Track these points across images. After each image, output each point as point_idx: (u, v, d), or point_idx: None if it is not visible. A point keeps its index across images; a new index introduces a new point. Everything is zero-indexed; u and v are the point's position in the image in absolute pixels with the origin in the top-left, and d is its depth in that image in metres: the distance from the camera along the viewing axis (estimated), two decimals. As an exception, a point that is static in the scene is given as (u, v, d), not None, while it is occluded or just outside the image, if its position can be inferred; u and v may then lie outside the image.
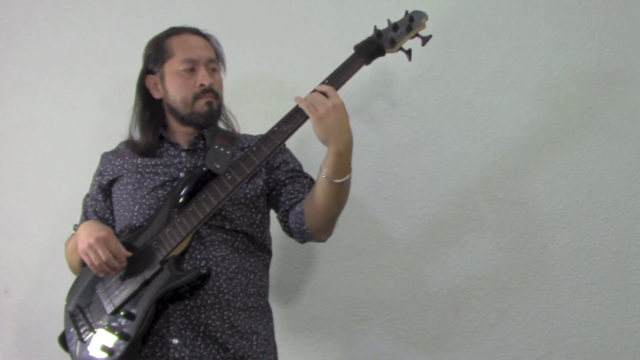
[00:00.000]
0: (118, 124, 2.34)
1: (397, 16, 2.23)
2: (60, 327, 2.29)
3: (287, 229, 1.78)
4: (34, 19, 2.42)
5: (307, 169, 1.87)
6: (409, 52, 1.73)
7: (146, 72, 1.86)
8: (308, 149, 2.08)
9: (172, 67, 1.79)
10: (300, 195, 1.76)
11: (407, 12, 1.74)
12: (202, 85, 1.77)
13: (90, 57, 2.38)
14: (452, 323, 2.15)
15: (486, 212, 2.17)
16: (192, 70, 1.78)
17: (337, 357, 2.16)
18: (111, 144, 2.34)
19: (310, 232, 1.70)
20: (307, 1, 2.31)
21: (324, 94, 1.58)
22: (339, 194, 1.63)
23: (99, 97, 2.36)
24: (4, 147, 2.39)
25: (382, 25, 1.75)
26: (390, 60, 2.23)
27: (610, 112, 2.16)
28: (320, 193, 1.62)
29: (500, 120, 2.19)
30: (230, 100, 2.05)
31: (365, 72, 2.26)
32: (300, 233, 1.73)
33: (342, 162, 1.58)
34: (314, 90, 1.62)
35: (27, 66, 2.41)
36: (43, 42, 2.41)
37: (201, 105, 1.77)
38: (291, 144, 1.81)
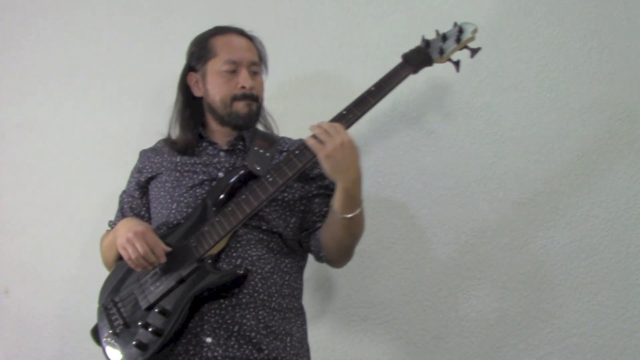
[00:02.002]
0: (118, 123, 2.35)
1: (398, 15, 2.24)
2: (60, 327, 2.30)
3: (307, 248, 1.80)
4: (34, 19, 2.42)
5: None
6: (457, 63, 1.74)
7: (188, 69, 1.85)
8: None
9: (215, 67, 1.79)
10: (325, 219, 1.75)
11: (455, 23, 1.75)
12: (242, 87, 1.77)
13: (90, 57, 2.38)
14: (452, 323, 2.15)
15: (486, 212, 2.17)
16: (233, 71, 1.78)
17: (337, 357, 2.16)
18: (111, 144, 2.35)
19: (326, 259, 1.76)
20: (308, 1, 2.31)
21: (333, 130, 1.57)
22: (351, 227, 1.65)
23: (99, 97, 2.36)
24: (4, 147, 2.39)
25: (431, 35, 1.76)
26: (391, 60, 2.24)
27: (610, 112, 2.16)
28: (333, 226, 1.66)
29: (500, 120, 2.19)
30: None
31: (365, 73, 2.26)
32: (317, 257, 1.78)
33: (350, 198, 1.60)
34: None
35: (27, 66, 2.40)
36: (43, 43, 2.41)
37: (240, 107, 1.77)
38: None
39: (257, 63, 1.83)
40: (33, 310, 2.30)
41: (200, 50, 1.83)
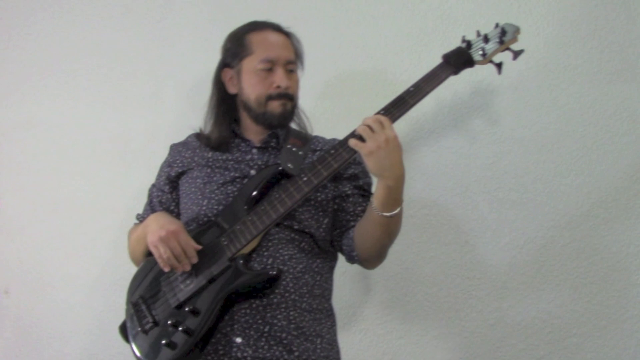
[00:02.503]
0: (119, 123, 2.35)
1: (398, 15, 2.24)
2: (59, 327, 2.31)
3: (339, 248, 1.77)
4: (34, 19, 2.42)
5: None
6: (499, 65, 1.71)
7: (223, 65, 1.82)
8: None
9: (250, 65, 1.76)
10: (359, 219, 1.72)
11: (497, 24, 1.71)
12: (278, 87, 1.74)
13: (90, 57, 2.38)
14: (452, 323, 2.15)
15: (486, 212, 2.17)
16: (269, 70, 1.75)
17: (337, 357, 2.16)
18: (111, 144, 2.35)
19: (359, 259, 1.71)
20: (308, 1, 2.31)
21: (380, 125, 1.55)
22: (389, 227, 1.62)
23: (99, 97, 2.36)
24: (4, 147, 2.39)
25: (471, 36, 1.72)
26: (391, 60, 2.24)
27: (610, 112, 2.16)
28: (370, 224, 1.62)
29: (500, 120, 2.19)
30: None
31: (365, 73, 2.27)
32: (349, 257, 1.74)
33: (392, 196, 1.56)
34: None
35: (27, 66, 2.41)
36: (43, 42, 2.41)
37: (275, 106, 1.74)
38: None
39: (293, 61, 1.80)
40: (33, 310, 2.30)
41: (236, 47, 1.79)
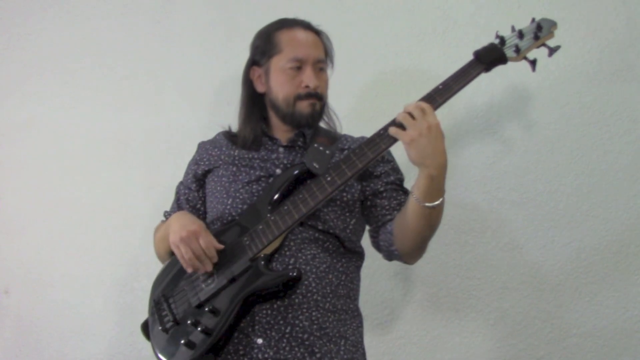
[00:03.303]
0: (119, 123, 2.35)
1: (398, 15, 2.23)
2: (59, 326, 2.30)
3: (376, 245, 1.74)
4: (34, 19, 2.42)
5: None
6: (533, 62, 1.64)
7: (252, 63, 1.79)
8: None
9: (279, 64, 1.72)
10: (395, 212, 1.68)
11: (533, 19, 1.66)
12: (307, 87, 1.70)
13: (90, 57, 2.38)
14: (452, 323, 2.15)
15: (486, 212, 2.17)
16: (298, 68, 1.71)
17: (337, 357, 2.16)
18: (111, 144, 2.35)
19: (398, 254, 1.66)
20: (308, 1, 2.31)
21: (421, 111, 1.51)
22: (431, 218, 1.57)
23: (99, 97, 2.36)
24: (4, 147, 2.39)
25: (505, 31, 1.68)
26: (391, 60, 2.24)
27: (610, 112, 2.16)
28: (410, 216, 1.56)
29: (500, 120, 2.19)
30: (230, 101, 2.05)
31: (364, 73, 2.26)
32: (388, 253, 1.69)
33: (434, 186, 1.51)
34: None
35: (27, 66, 2.41)
36: (43, 42, 2.41)
37: (304, 106, 1.71)
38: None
39: (323, 60, 1.76)
40: (33, 310, 2.30)
41: (265, 45, 1.76)
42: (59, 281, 2.31)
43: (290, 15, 2.30)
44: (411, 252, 1.66)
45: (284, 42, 1.74)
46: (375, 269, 2.19)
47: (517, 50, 1.63)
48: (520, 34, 1.64)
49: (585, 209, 2.14)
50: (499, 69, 2.23)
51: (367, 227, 1.76)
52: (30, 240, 2.34)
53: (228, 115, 2.03)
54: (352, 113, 2.16)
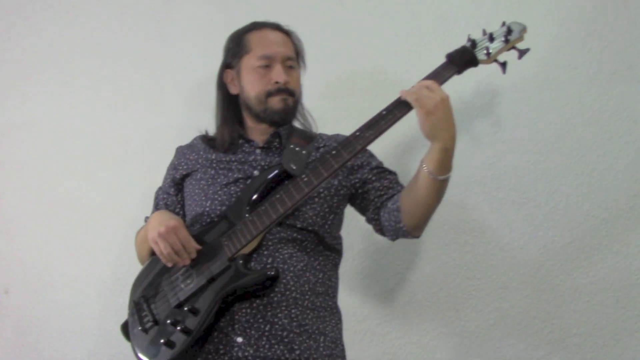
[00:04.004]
0: (119, 123, 2.35)
1: (398, 15, 2.24)
2: (59, 326, 2.31)
3: (379, 228, 1.75)
4: (34, 19, 2.42)
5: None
6: (504, 65, 1.69)
7: (225, 66, 1.84)
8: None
9: (249, 63, 1.77)
10: (390, 191, 1.73)
11: (504, 22, 1.70)
12: (276, 82, 1.74)
13: (90, 57, 2.38)
14: (452, 323, 2.15)
15: (486, 212, 2.17)
16: (267, 67, 1.75)
17: (337, 357, 2.16)
18: (111, 144, 2.35)
19: (407, 229, 1.67)
20: (308, 1, 2.31)
21: (428, 88, 1.55)
22: (441, 190, 1.60)
23: (100, 97, 2.37)
24: (4, 147, 2.39)
25: (477, 34, 1.71)
26: (391, 60, 2.24)
27: (610, 112, 2.16)
28: (421, 189, 1.59)
29: (500, 120, 2.19)
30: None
31: (365, 73, 2.27)
32: (394, 231, 1.70)
33: (448, 158, 1.56)
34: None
35: (27, 66, 2.41)
36: (43, 42, 2.41)
37: (275, 102, 1.75)
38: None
39: (293, 58, 1.80)
40: (33, 310, 2.30)
41: (236, 47, 1.81)
42: (59, 281, 2.31)
43: (289, 15, 2.30)
44: (420, 225, 1.68)
45: (253, 42, 1.78)
46: (375, 269, 2.19)
47: (488, 53, 1.66)
48: (491, 37, 1.67)
49: (585, 209, 2.14)
50: (500, 69, 2.24)
51: (366, 216, 1.78)
52: (30, 240, 2.34)
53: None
54: (354, 113, 2.16)
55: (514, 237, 2.15)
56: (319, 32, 2.28)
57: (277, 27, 1.83)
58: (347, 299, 2.18)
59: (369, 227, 2.18)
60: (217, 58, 2.05)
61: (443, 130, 1.53)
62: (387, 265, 2.18)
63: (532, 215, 2.15)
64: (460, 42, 2.22)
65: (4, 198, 2.37)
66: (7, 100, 2.41)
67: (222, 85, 1.84)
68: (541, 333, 2.12)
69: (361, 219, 2.19)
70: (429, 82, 1.57)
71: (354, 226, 2.19)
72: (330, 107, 2.25)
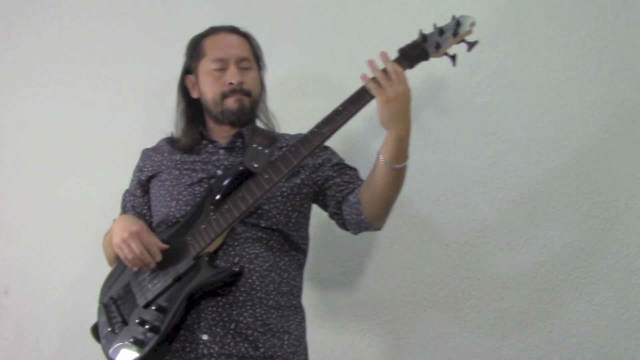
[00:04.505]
0: (118, 123, 2.35)
1: (398, 15, 2.24)
2: (59, 327, 2.30)
3: (342, 222, 1.79)
4: (34, 19, 2.42)
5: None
6: (453, 57, 1.72)
7: (186, 71, 1.89)
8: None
9: (205, 67, 1.82)
10: (351, 186, 1.76)
11: (453, 16, 1.73)
12: (230, 84, 1.78)
13: (90, 57, 2.38)
14: (452, 323, 2.15)
15: (486, 212, 2.17)
16: (222, 69, 1.80)
17: (337, 357, 2.16)
18: (111, 144, 2.35)
19: (368, 220, 1.70)
20: (308, 1, 2.31)
21: (396, 76, 1.59)
22: (398, 180, 1.66)
23: (100, 97, 2.36)
24: (4, 147, 2.39)
25: (428, 29, 1.73)
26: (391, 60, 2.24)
27: (610, 112, 2.16)
28: (379, 180, 1.64)
29: (500, 120, 2.19)
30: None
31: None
32: (356, 224, 1.73)
33: (403, 147, 1.62)
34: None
35: (27, 66, 2.40)
36: (42, 43, 2.41)
37: (231, 103, 1.79)
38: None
39: (248, 59, 1.83)
40: (33, 310, 2.30)
41: (193, 52, 1.86)
42: (59, 281, 2.31)
43: (290, 15, 2.31)
44: (381, 216, 1.72)
45: (208, 46, 1.83)
46: (375, 269, 2.19)
47: (438, 46, 1.69)
48: (441, 31, 1.71)
49: (585, 209, 2.14)
50: (501, 70, 2.24)
51: (328, 211, 1.81)
52: (30, 240, 2.34)
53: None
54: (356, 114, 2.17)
55: (514, 237, 2.15)
56: (318, 31, 2.29)
57: (232, 30, 1.87)
58: (347, 299, 2.19)
59: (369, 227, 2.19)
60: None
61: (399, 121, 1.59)
62: (387, 265, 2.18)
63: (532, 215, 2.15)
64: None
65: (4, 198, 2.37)
66: (7, 100, 2.40)
67: (184, 90, 1.89)
68: (541, 333, 2.12)
69: (361, 219, 2.20)
70: (400, 71, 1.60)
71: (354, 226, 2.19)
72: (331, 108, 2.24)
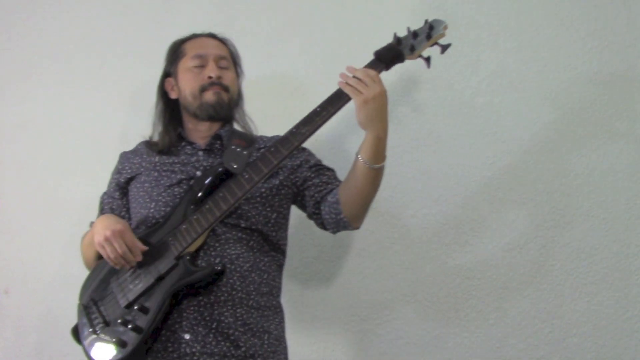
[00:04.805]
0: (118, 123, 2.35)
1: (398, 15, 2.24)
2: (59, 327, 2.30)
3: (320, 222, 1.81)
4: (34, 19, 2.42)
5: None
6: (428, 59, 1.76)
7: (165, 75, 1.92)
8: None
9: (184, 65, 1.86)
10: (329, 186, 1.79)
11: (426, 20, 1.76)
12: (209, 77, 1.82)
13: (90, 57, 2.38)
14: (452, 323, 2.15)
15: (486, 212, 2.17)
16: (202, 66, 1.84)
17: (338, 357, 2.16)
18: (111, 144, 2.35)
19: (347, 220, 1.73)
20: (308, 1, 2.31)
21: (370, 78, 1.63)
22: (376, 179, 1.68)
23: (100, 97, 2.36)
24: (4, 147, 2.39)
25: (402, 32, 1.76)
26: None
27: (610, 112, 2.16)
28: (358, 179, 1.67)
29: (500, 120, 2.19)
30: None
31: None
32: (335, 223, 1.76)
33: (380, 148, 1.64)
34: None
35: (27, 66, 2.40)
36: (43, 42, 2.41)
37: (209, 96, 1.82)
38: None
39: (226, 58, 1.88)
40: (33, 310, 2.30)
41: (173, 55, 1.91)
42: (59, 281, 2.31)
43: (290, 15, 2.31)
44: (359, 215, 1.75)
45: (188, 48, 1.89)
46: (375, 269, 2.19)
47: (412, 49, 1.74)
48: (415, 34, 1.75)
49: (585, 209, 2.14)
50: (501, 70, 2.24)
51: (307, 212, 1.84)
52: (30, 240, 2.33)
53: (228, 115, 2.04)
54: (353, 112, 2.16)
55: (514, 237, 2.15)
56: (318, 31, 2.29)
57: (212, 36, 1.93)
58: (347, 299, 2.19)
59: (369, 227, 2.19)
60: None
61: (377, 121, 1.62)
62: (387, 265, 2.18)
63: (532, 215, 2.15)
64: (460, 42, 2.23)
65: (4, 198, 2.37)
66: (7, 100, 2.40)
67: (162, 93, 1.92)
68: (541, 333, 2.12)
69: (361, 219, 2.20)
70: (373, 74, 1.65)
71: (354, 226, 2.19)
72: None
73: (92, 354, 1.68)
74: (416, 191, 2.19)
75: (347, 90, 1.63)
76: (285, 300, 2.19)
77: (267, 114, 2.02)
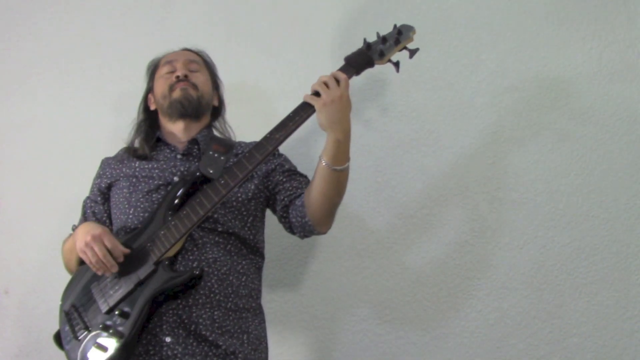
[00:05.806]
0: (118, 123, 2.34)
1: (397, 14, 2.24)
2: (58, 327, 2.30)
3: (288, 225, 1.83)
4: (34, 19, 2.42)
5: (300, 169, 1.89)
6: (397, 64, 1.79)
7: (147, 91, 2.00)
8: (306, 149, 2.09)
9: (158, 75, 1.94)
10: (299, 190, 1.81)
11: (395, 25, 1.79)
12: (177, 77, 1.88)
13: (90, 57, 2.38)
14: (452, 323, 2.15)
15: (486, 212, 2.17)
16: (172, 72, 1.91)
17: (337, 357, 2.16)
18: (110, 144, 2.34)
19: (312, 223, 1.76)
20: (307, 2, 2.31)
21: (335, 82, 1.67)
22: (339, 182, 1.71)
23: (99, 97, 2.36)
24: (4, 147, 2.39)
25: (372, 38, 1.79)
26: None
27: (610, 112, 2.16)
28: (320, 182, 1.70)
29: (500, 120, 2.19)
30: (230, 101, 2.05)
31: (365, 72, 2.26)
32: (301, 226, 1.78)
33: (341, 150, 1.67)
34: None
35: (27, 66, 2.40)
36: (43, 42, 2.41)
37: (176, 92, 1.87)
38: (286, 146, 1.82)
39: (198, 62, 1.95)
40: (33, 310, 2.30)
41: (150, 71, 2.00)
42: (59, 281, 2.31)
43: (290, 15, 2.31)
44: (323, 219, 1.77)
45: (162, 60, 1.98)
46: (375, 269, 2.19)
47: (382, 54, 1.76)
48: (384, 40, 1.78)
49: (585, 209, 2.14)
50: (501, 70, 2.24)
51: (276, 213, 1.86)
52: (30, 240, 2.34)
53: (228, 113, 2.04)
54: (354, 112, 2.16)
55: (514, 237, 2.16)
56: (318, 31, 2.29)
57: (185, 48, 2.01)
58: (347, 299, 2.19)
59: (370, 227, 2.19)
60: (217, 58, 2.06)
61: (336, 124, 1.65)
62: (387, 265, 2.18)
63: (532, 215, 2.15)
64: (460, 42, 2.23)
65: (4, 198, 2.37)
66: (7, 100, 2.40)
67: (145, 108, 1.99)
68: (541, 333, 2.12)
69: (360, 218, 2.20)
70: (341, 77, 1.69)
71: (354, 226, 2.19)
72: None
73: (74, 359, 1.69)
74: (416, 191, 2.19)
75: (307, 97, 1.68)
76: (285, 300, 2.20)
77: (267, 114, 2.02)
